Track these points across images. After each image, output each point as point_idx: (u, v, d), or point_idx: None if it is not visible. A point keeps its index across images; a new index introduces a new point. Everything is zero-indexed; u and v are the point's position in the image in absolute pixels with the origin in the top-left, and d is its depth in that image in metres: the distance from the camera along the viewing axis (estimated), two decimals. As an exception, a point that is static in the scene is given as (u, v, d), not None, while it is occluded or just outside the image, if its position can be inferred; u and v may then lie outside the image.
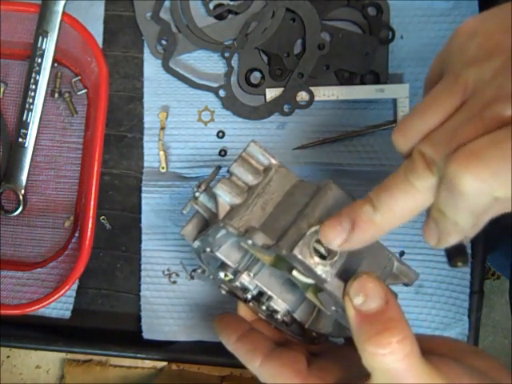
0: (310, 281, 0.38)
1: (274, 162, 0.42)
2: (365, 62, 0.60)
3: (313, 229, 0.37)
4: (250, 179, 0.42)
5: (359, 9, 0.61)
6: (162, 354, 0.61)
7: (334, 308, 0.39)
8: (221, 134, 0.61)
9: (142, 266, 0.61)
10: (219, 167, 0.45)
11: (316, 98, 0.60)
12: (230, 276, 0.44)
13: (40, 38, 0.56)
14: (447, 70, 0.35)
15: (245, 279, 0.43)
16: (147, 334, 0.60)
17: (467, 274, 0.59)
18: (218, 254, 0.44)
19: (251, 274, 0.43)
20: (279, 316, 0.44)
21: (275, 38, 0.61)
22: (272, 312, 0.45)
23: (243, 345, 0.43)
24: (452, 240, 0.34)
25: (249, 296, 0.45)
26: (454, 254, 0.38)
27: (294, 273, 0.38)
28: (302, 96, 0.61)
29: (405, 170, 0.33)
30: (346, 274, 0.37)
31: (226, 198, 0.41)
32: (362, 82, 0.61)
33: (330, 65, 0.61)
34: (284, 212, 0.40)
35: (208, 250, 0.44)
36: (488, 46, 0.32)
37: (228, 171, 0.42)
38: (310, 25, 0.60)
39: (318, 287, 0.38)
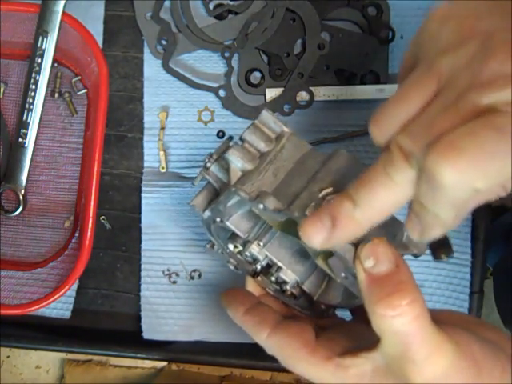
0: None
1: (286, 130, 0.43)
2: (365, 62, 0.60)
3: (324, 192, 0.37)
4: (262, 146, 0.42)
5: (359, 9, 0.61)
6: (162, 354, 0.61)
7: (343, 274, 0.38)
8: (221, 134, 0.61)
9: (142, 266, 0.61)
10: (231, 137, 0.45)
11: (316, 98, 0.60)
12: (240, 247, 0.44)
13: (40, 38, 0.56)
14: (420, 58, 0.34)
15: (254, 249, 0.43)
16: (147, 334, 0.60)
17: (467, 274, 0.59)
18: (228, 224, 0.43)
19: (261, 244, 0.43)
20: (288, 287, 0.44)
21: (275, 38, 0.61)
22: (281, 284, 0.45)
23: (251, 317, 0.42)
24: (434, 233, 0.33)
25: (258, 267, 0.44)
26: (438, 247, 0.38)
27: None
28: (302, 96, 0.61)
29: (383, 164, 0.32)
30: (357, 240, 0.36)
31: (237, 163, 0.41)
32: (362, 82, 0.61)
33: (329, 65, 0.61)
34: (295, 178, 0.40)
35: (218, 220, 0.43)
36: (461, 31, 0.31)
37: (240, 138, 0.42)
38: (310, 25, 0.60)
39: (329, 253, 0.38)
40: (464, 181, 0.29)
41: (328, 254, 0.39)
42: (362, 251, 0.35)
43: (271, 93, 0.61)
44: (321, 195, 0.37)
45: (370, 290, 0.35)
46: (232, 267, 0.48)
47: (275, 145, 0.42)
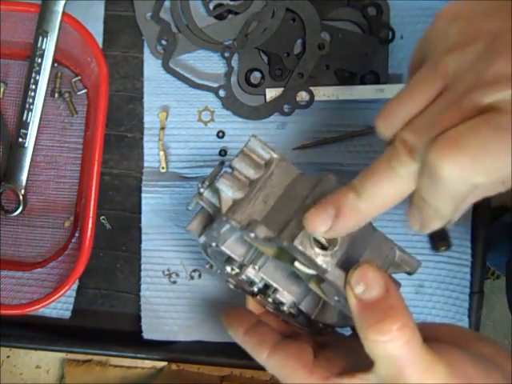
0: (312, 272, 0.39)
1: (274, 156, 0.43)
2: (365, 62, 0.60)
3: None
4: (252, 173, 0.42)
5: (359, 9, 0.61)
6: (162, 354, 0.61)
7: (336, 298, 0.39)
8: (221, 134, 0.61)
9: (142, 266, 0.61)
10: (222, 162, 0.46)
11: (316, 98, 0.60)
12: (236, 270, 0.45)
13: (40, 38, 0.56)
14: (428, 56, 0.35)
15: (250, 272, 0.44)
16: (147, 334, 0.60)
17: (467, 274, 0.59)
18: (223, 249, 0.44)
19: (256, 268, 0.44)
20: (285, 308, 0.45)
21: (275, 38, 0.61)
22: (278, 304, 0.45)
23: (251, 338, 0.43)
24: (434, 225, 0.34)
25: (255, 289, 0.45)
26: (437, 239, 0.39)
27: (297, 264, 0.39)
28: (302, 96, 0.61)
29: (388, 157, 0.33)
30: (348, 264, 0.37)
31: (228, 192, 0.41)
32: (362, 82, 0.61)
33: (329, 65, 0.61)
34: (285, 205, 0.41)
35: (213, 244, 0.44)
36: (469, 31, 0.32)
37: (230, 166, 0.43)
38: (310, 25, 0.60)
39: (321, 278, 0.38)
40: (464, 176, 0.30)
41: (320, 279, 0.39)
42: (352, 277, 0.36)
43: (271, 93, 0.61)
44: None
45: (361, 316, 0.35)
46: (232, 286, 0.49)
47: (264, 171, 0.42)
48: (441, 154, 0.30)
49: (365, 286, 0.35)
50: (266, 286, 0.46)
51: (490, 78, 0.30)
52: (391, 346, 0.34)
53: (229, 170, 0.43)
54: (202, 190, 0.44)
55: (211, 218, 0.45)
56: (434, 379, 0.35)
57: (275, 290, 0.45)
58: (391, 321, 0.34)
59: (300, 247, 0.37)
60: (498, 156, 0.29)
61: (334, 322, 0.45)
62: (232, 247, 0.45)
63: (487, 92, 0.30)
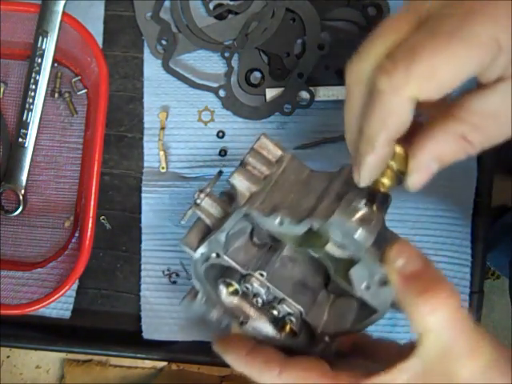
0: (344, 254, 0.38)
1: (285, 154, 0.42)
2: (365, 61, 0.60)
3: (349, 195, 0.37)
4: (264, 169, 0.41)
5: (359, 9, 0.61)
6: (161, 354, 0.61)
7: (365, 284, 0.38)
8: (221, 134, 0.61)
9: (142, 266, 0.61)
10: (221, 172, 0.44)
11: (316, 98, 0.60)
12: (235, 285, 0.43)
13: (40, 38, 0.56)
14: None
15: (256, 281, 0.42)
16: (147, 334, 0.60)
17: (467, 274, 0.59)
18: (226, 258, 0.42)
19: (264, 274, 0.42)
20: (293, 318, 0.42)
21: (275, 38, 0.61)
22: (283, 318, 0.43)
23: (255, 357, 0.40)
24: (368, 159, 0.35)
25: (259, 300, 0.43)
26: (373, 198, 0.38)
27: (328, 246, 0.38)
28: (302, 96, 0.61)
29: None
30: (378, 247, 0.37)
31: (243, 185, 0.40)
32: (362, 82, 0.61)
33: (329, 65, 0.61)
34: (304, 196, 0.40)
35: (214, 255, 0.42)
36: None
37: (241, 163, 0.42)
38: (310, 25, 0.60)
39: (350, 263, 0.38)
40: (394, 85, 0.32)
41: (349, 265, 0.38)
42: (391, 252, 0.35)
43: (271, 93, 0.61)
44: (347, 197, 0.37)
45: (405, 289, 0.34)
46: (214, 317, 0.45)
47: (276, 168, 0.42)
48: (379, 70, 0.32)
49: (405, 258, 0.35)
50: (268, 301, 0.43)
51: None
52: (441, 314, 0.33)
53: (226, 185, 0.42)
54: (198, 201, 0.42)
55: (209, 230, 0.43)
56: (483, 353, 0.34)
57: (281, 301, 0.42)
58: (439, 289, 0.33)
59: (341, 217, 0.36)
60: (428, 66, 0.31)
61: (345, 328, 0.42)
62: (234, 256, 0.42)
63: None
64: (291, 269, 0.43)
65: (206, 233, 0.43)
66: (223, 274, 0.43)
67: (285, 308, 0.42)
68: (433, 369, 0.35)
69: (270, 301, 0.43)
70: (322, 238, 0.38)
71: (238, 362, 0.41)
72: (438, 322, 0.33)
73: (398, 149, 0.35)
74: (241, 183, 0.41)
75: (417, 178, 0.35)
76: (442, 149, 0.35)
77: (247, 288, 0.42)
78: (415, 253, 0.35)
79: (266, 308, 0.43)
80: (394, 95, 0.32)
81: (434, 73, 0.31)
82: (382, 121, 0.33)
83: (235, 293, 0.43)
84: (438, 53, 0.31)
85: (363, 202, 0.37)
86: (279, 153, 0.42)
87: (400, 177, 0.36)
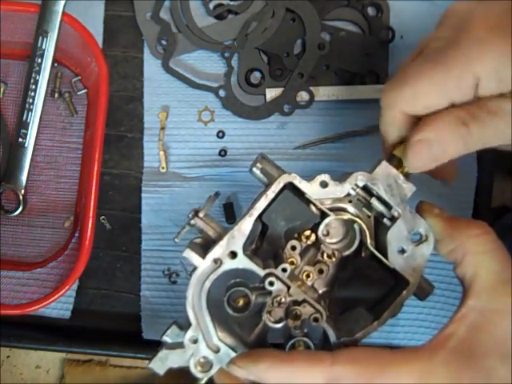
0: (385, 209, 0.41)
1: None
2: (365, 62, 0.60)
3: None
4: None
5: (359, 9, 0.61)
6: (161, 354, 0.61)
7: (400, 248, 0.41)
8: (221, 134, 0.61)
9: (142, 266, 0.61)
10: (217, 194, 0.44)
11: (316, 98, 0.60)
12: (248, 294, 0.40)
13: (40, 38, 0.56)
14: None
15: (278, 279, 0.41)
16: (147, 334, 0.60)
17: (467, 274, 0.59)
18: (245, 257, 0.40)
19: (287, 269, 0.41)
20: (319, 317, 0.41)
21: (275, 38, 0.60)
22: (304, 321, 0.41)
23: (295, 356, 0.38)
24: (386, 147, 0.44)
25: (280, 302, 0.41)
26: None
27: (373, 201, 0.41)
28: (302, 96, 0.61)
29: None
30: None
31: (272, 167, 0.43)
32: (362, 82, 0.61)
33: (329, 65, 0.61)
34: None
35: (227, 258, 0.41)
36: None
37: (260, 155, 0.43)
38: (310, 25, 0.60)
39: (389, 224, 0.41)
40: (388, 102, 0.41)
41: (386, 229, 0.41)
42: (425, 204, 0.42)
43: (271, 93, 0.61)
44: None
45: (449, 226, 0.39)
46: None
47: None
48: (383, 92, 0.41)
49: (438, 209, 0.41)
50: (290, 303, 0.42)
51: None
52: (490, 236, 0.38)
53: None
54: (193, 222, 0.42)
55: (205, 248, 0.42)
56: None
57: (302, 302, 0.41)
58: (478, 222, 0.39)
59: (386, 167, 0.41)
60: (414, 83, 0.38)
61: (356, 336, 0.41)
62: (253, 261, 0.41)
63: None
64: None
65: (205, 248, 0.42)
66: (230, 289, 0.41)
67: (307, 309, 0.41)
68: (492, 300, 0.37)
69: (288, 305, 0.41)
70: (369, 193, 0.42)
71: (275, 365, 0.38)
72: (489, 243, 0.38)
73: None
74: (269, 166, 0.42)
75: (416, 152, 0.39)
76: (441, 127, 0.38)
77: (271, 284, 0.40)
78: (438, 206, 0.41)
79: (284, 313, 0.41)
80: (388, 110, 0.41)
81: (417, 95, 0.39)
82: (385, 128, 0.43)
83: (245, 307, 0.41)
84: (421, 79, 0.38)
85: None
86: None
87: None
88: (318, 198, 0.41)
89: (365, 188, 0.42)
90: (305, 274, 0.43)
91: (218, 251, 0.41)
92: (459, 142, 0.38)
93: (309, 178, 0.41)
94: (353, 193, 0.42)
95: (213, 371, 0.41)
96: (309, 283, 0.43)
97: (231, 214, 0.60)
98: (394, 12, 0.61)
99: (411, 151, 0.39)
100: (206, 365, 0.42)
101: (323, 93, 0.61)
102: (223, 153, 0.61)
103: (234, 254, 0.41)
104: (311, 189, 0.41)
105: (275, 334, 0.43)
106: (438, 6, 0.61)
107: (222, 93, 0.61)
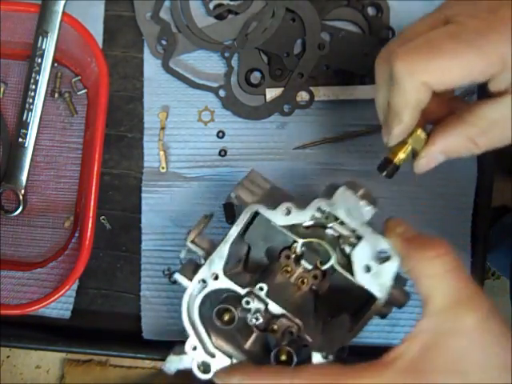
0: (347, 231, 0.43)
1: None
2: (365, 62, 0.60)
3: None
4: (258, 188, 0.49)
5: (359, 9, 0.61)
6: (161, 354, 0.61)
7: (365, 265, 0.42)
8: (221, 134, 0.61)
9: (142, 266, 0.61)
10: (211, 215, 0.48)
11: (316, 98, 0.60)
12: (233, 310, 0.44)
13: (40, 38, 0.56)
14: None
15: (256, 296, 0.44)
16: (147, 334, 0.60)
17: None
18: (225, 278, 0.45)
19: (264, 287, 0.44)
20: (294, 331, 0.43)
21: (275, 38, 0.61)
22: (284, 333, 0.44)
23: (264, 369, 0.42)
24: (396, 130, 0.42)
25: (260, 319, 0.44)
26: (385, 166, 0.45)
27: (335, 225, 0.43)
28: (302, 96, 0.61)
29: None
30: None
31: (247, 198, 0.47)
32: (362, 82, 0.61)
33: (329, 65, 0.61)
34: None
35: (211, 280, 0.45)
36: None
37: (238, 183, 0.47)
38: (310, 25, 0.60)
39: (354, 241, 0.43)
40: (411, 72, 0.38)
41: (353, 243, 0.42)
42: (390, 222, 0.42)
43: (271, 93, 0.61)
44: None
45: (409, 246, 0.39)
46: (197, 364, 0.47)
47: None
48: (396, 57, 0.38)
49: (403, 227, 0.41)
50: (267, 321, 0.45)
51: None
52: (445, 259, 0.37)
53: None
54: (188, 243, 0.47)
55: (197, 268, 0.46)
56: (483, 301, 0.37)
57: (281, 316, 0.44)
58: (438, 242, 0.38)
59: (345, 193, 0.42)
60: (442, 56, 0.37)
61: (341, 343, 0.44)
62: (232, 278, 0.45)
63: (447, 7, 0.40)
64: (285, 286, 0.46)
65: (196, 269, 0.46)
66: (223, 300, 0.45)
67: (284, 322, 0.44)
68: (444, 321, 0.37)
69: (268, 319, 0.45)
70: (322, 229, 0.43)
71: (244, 380, 0.42)
72: (443, 265, 0.37)
73: (419, 131, 0.42)
74: (245, 196, 0.46)
75: (424, 163, 0.43)
76: (451, 146, 0.41)
77: (247, 303, 0.44)
78: (407, 224, 0.42)
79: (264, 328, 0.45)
80: (410, 78, 0.38)
81: (449, 69, 0.37)
82: (405, 100, 0.39)
83: (231, 321, 0.44)
84: (456, 55, 0.37)
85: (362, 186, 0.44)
86: (267, 186, 0.48)
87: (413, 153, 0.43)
88: (284, 224, 0.44)
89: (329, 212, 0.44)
90: (300, 280, 0.47)
91: (202, 273, 0.45)
92: (465, 153, 0.41)
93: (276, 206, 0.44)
94: (319, 216, 0.44)
95: (211, 373, 0.46)
96: (305, 288, 0.47)
97: (231, 214, 0.60)
98: (393, 12, 0.61)
99: (419, 163, 0.43)
100: (206, 367, 0.46)
101: (323, 93, 0.61)
102: (223, 153, 0.61)
103: (216, 276, 0.45)
104: (276, 216, 0.44)
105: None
106: (437, 6, 0.61)
107: (222, 93, 0.61)
